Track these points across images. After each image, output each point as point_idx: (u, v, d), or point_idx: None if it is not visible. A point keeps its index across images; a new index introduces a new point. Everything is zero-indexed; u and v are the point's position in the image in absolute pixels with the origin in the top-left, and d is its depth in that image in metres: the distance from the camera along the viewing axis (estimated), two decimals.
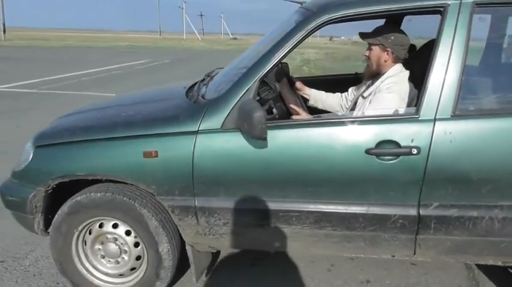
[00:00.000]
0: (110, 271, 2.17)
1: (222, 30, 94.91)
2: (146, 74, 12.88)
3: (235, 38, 71.21)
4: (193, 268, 2.12)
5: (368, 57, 2.23)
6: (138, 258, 2.11)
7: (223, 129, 1.86)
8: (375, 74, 2.23)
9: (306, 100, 2.66)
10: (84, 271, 2.16)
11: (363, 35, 2.24)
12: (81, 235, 2.14)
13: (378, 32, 2.17)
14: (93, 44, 33.35)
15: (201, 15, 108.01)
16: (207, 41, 53.90)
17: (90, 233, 2.14)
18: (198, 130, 1.88)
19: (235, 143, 1.85)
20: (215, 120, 1.87)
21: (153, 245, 2.01)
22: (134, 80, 11.03)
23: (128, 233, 2.09)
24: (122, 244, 2.11)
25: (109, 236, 2.12)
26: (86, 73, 12.53)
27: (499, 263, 1.98)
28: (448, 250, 1.92)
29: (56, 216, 2.09)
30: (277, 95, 2.30)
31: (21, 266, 2.49)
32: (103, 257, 2.17)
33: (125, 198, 1.97)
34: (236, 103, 1.85)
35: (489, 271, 2.43)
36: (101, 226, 2.11)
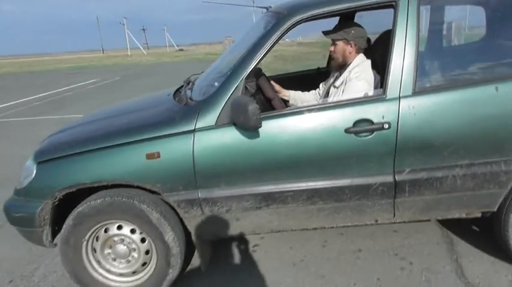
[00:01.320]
0: (123, 271, 2.30)
1: (167, 42, 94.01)
2: (100, 93, 12.69)
3: (181, 49, 70.83)
4: (200, 256, 2.30)
5: (333, 52, 2.52)
6: (147, 252, 2.25)
7: (218, 125, 2.07)
8: (341, 66, 2.52)
9: (285, 101, 2.90)
10: (100, 277, 2.28)
11: (326, 33, 2.53)
12: (90, 244, 2.26)
13: (339, 28, 2.47)
14: (34, 69, 32.08)
15: (144, 29, 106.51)
16: (153, 54, 53.27)
17: (97, 240, 2.26)
18: (194, 129, 2.07)
19: (229, 136, 2.06)
20: (209, 118, 2.07)
21: (159, 236, 2.15)
22: (90, 99, 10.88)
23: (132, 231, 2.23)
24: (129, 243, 2.24)
25: (116, 238, 2.25)
26: (38, 97, 12.21)
27: (464, 215, 2.32)
28: (422, 209, 2.23)
29: (62, 230, 2.20)
30: (257, 91, 2.53)
31: (31, 283, 2.55)
32: (114, 259, 2.29)
33: (123, 199, 2.12)
34: (227, 101, 2.06)
35: (458, 229, 2.78)
36: (106, 230, 2.24)
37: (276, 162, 2.09)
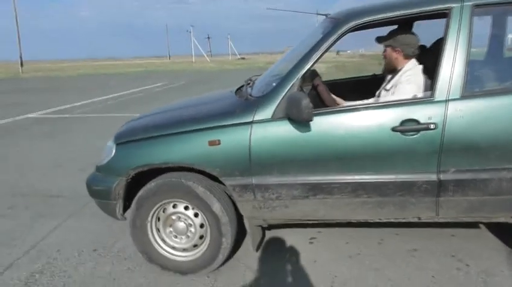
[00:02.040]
0: (185, 246, 2.56)
1: (230, 51, 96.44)
2: (168, 94, 13.56)
3: (243, 58, 72.40)
4: (251, 238, 2.52)
5: (385, 56, 2.66)
6: (201, 226, 2.50)
7: (274, 118, 2.29)
8: (392, 70, 2.66)
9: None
10: (167, 254, 2.57)
11: (378, 39, 2.68)
12: (153, 224, 2.55)
13: (389, 35, 2.62)
14: (107, 71, 34.59)
15: (208, 37, 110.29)
16: (216, 62, 55.08)
17: (159, 220, 2.56)
18: (252, 121, 2.30)
19: (284, 129, 2.27)
20: (266, 112, 2.30)
21: (207, 207, 2.38)
22: (158, 100, 11.63)
23: (186, 208, 2.49)
24: (185, 219, 2.50)
25: (173, 216, 2.52)
26: (111, 97, 13.30)
27: (510, 220, 2.35)
28: (466, 209, 2.30)
29: (130, 215, 2.52)
30: (311, 90, 2.72)
31: (112, 252, 2.90)
32: (176, 236, 2.57)
33: (172, 179, 2.41)
34: (283, 97, 2.27)
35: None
36: (164, 211, 2.53)
37: (325, 155, 2.27)
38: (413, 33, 2.63)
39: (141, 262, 2.67)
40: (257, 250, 2.64)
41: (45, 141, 6.72)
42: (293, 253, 2.78)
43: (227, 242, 2.45)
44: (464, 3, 2.19)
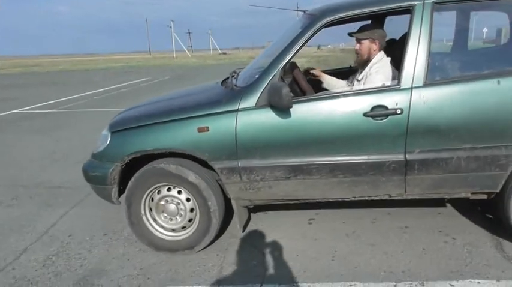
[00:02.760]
0: (176, 227, 2.77)
1: (211, 46, 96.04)
2: (153, 90, 13.62)
3: (224, 53, 72.32)
4: (237, 218, 2.75)
5: (359, 50, 2.90)
6: (192, 210, 2.71)
7: (257, 106, 2.51)
8: (364, 63, 2.90)
9: (320, 83, 3.28)
10: (165, 237, 2.77)
11: (353, 33, 2.91)
12: (147, 209, 2.75)
13: (364, 29, 2.85)
14: (88, 67, 34.19)
15: (189, 32, 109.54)
16: (197, 57, 54.92)
17: (152, 200, 2.75)
18: (238, 109, 2.52)
19: (266, 116, 2.49)
20: (251, 100, 2.52)
21: (185, 179, 2.59)
22: (145, 95, 11.66)
23: (179, 192, 2.69)
24: (174, 201, 2.69)
25: (162, 201, 2.72)
26: (96, 93, 13.33)
27: (469, 195, 2.64)
28: (430, 186, 2.57)
29: (125, 206, 2.72)
30: (291, 81, 2.95)
31: (122, 236, 3.07)
32: (171, 219, 2.76)
33: (161, 164, 2.61)
34: (266, 86, 2.49)
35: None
36: (159, 192, 2.72)
37: (304, 139, 2.50)
38: (382, 27, 2.88)
39: None
40: (243, 231, 2.89)
41: (37, 136, 6.78)
42: (295, 232, 3.01)
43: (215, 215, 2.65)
44: (426, 1, 2.44)
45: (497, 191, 2.56)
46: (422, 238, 2.83)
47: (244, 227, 3.00)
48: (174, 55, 63.51)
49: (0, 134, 7.16)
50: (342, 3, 2.67)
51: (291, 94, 2.34)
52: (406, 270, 2.46)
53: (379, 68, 2.74)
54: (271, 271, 2.53)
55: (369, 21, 3.08)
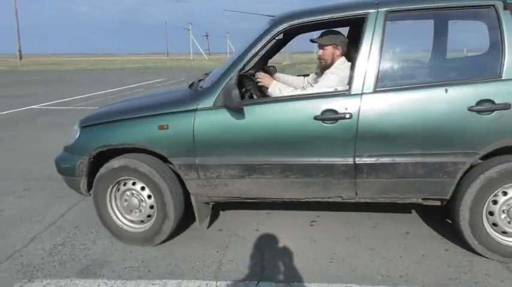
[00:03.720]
0: (137, 219, 2.89)
1: (228, 49, 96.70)
2: None
3: None
4: (196, 214, 2.85)
5: (323, 55, 2.97)
6: (149, 197, 2.80)
7: (214, 107, 2.62)
8: (328, 68, 2.98)
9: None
10: (127, 228, 2.90)
11: (315, 39, 2.98)
12: (114, 206, 2.89)
13: (327, 35, 2.93)
14: (106, 67, 34.87)
15: (207, 35, 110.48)
16: (214, 60, 55.34)
17: (118, 191, 2.87)
18: (196, 109, 2.64)
19: (222, 116, 2.60)
20: (208, 101, 2.63)
21: (155, 184, 2.71)
22: None
23: (142, 188, 2.79)
24: (137, 194, 2.81)
25: (128, 192, 2.84)
26: (111, 91, 13.74)
27: (420, 201, 2.69)
28: (380, 190, 2.63)
29: (93, 197, 2.87)
30: (256, 86, 3.05)
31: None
32: (135, 212, 2.88)
33: (127, 159, 2.73)
34: (222, 88, 2.60)
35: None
36: (125, 184, 2.84)
37: (257, 139, 2.60)
38: (342, 34, 2.97)
39: None
40: (208, 227, 3.01)
41: (52, 132, 6.92)
42: (295, 233, 3.04)
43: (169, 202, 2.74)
44: (379, 10, 2.52)
45: (448, 197, 2.61)
46: (423, 244, 2.82)
47: (210, 224, 3.11)
48: (191, 57, 64.17)
49: (17, 128, 7.41)
50: (302, 10, 2.78)
51: (239, 95, 2.46)
52: (403, 275, 2.47)
53: (337, 69, 2.79)
54: (269, 269, 2.58)
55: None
